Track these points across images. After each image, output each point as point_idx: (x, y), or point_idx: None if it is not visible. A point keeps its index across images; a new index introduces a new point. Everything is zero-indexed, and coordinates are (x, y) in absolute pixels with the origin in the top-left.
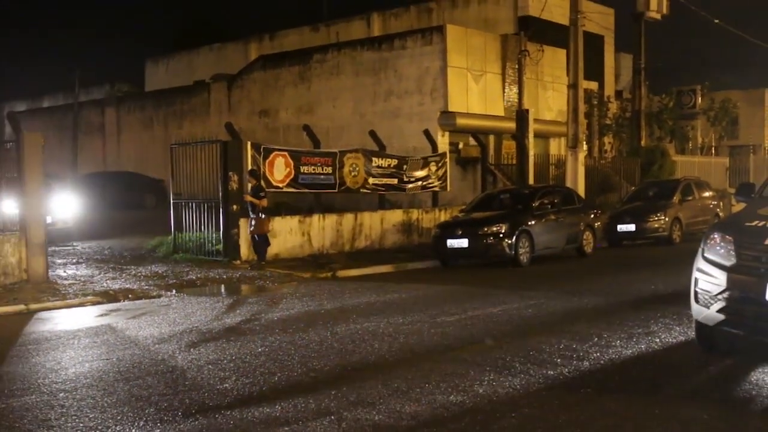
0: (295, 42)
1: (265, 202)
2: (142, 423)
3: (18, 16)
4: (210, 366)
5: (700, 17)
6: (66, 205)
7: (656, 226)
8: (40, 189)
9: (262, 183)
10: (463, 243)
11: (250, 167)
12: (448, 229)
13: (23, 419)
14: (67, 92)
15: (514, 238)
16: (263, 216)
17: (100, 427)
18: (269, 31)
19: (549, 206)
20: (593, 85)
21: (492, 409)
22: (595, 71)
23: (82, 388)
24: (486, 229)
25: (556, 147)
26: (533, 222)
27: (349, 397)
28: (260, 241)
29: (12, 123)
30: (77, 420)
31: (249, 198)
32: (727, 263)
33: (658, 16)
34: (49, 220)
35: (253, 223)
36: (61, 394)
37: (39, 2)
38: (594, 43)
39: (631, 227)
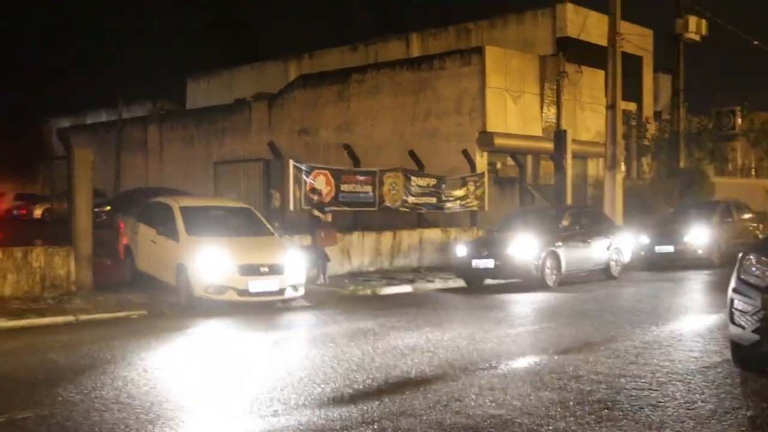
0: (334, 61)
1: (329, 217)
2: None
3: (61, 34)
4: (256, 379)
5: (739, 38)
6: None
7: (694, 248)
8: (89, 203)
9: (302, 199)
10: (489, 263)
11: (291, 185)
12: (474, 248)
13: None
14: (110, 109)
15: (542, 259)
16: (329, 228)
17: None
18: (309, 50)
19: (577, 227)
20: (632, 106)
21: (529, 422)
22: (633, 92)
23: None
24: (512, 249)
25: (595, 168)
26: (561, 243)
27: (391, 408)
28: (322, 256)
29: (63, 139)
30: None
31: (316, 213)
32: (763, 284)
33: (696, 38)
34: (288, 293)
35: (322, 235)
36: (97, 404)
37: (82, 20)
38: (632, 64)
39: (670, 248)
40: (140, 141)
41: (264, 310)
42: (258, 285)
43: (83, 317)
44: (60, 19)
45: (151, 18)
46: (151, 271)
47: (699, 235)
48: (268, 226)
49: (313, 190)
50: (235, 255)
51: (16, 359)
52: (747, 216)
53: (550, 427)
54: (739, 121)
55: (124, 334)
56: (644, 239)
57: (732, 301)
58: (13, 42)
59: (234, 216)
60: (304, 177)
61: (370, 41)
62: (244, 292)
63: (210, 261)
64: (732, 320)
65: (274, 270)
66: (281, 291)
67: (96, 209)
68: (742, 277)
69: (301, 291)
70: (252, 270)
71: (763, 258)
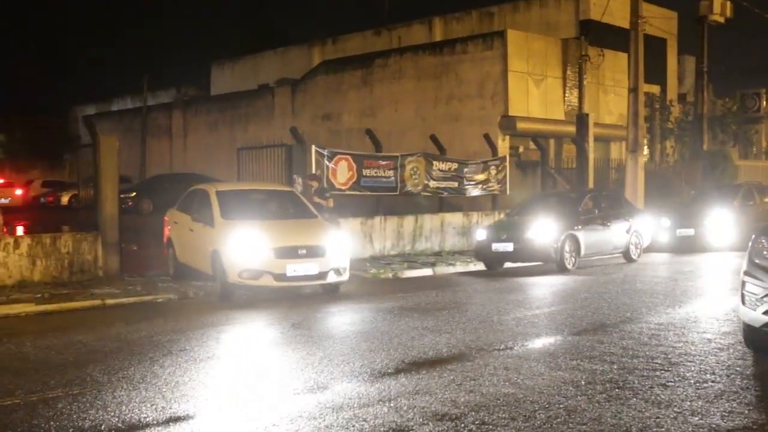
0: (357, 46)
1: (331, 203)
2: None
3: (86, 22)
4: (275, 360)
5: (765, 20)
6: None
7: (715, 230)
8: (115, 190)
9: (325, 185)
10: (508, 247)
11: (314, 170)
12: (494, 232)
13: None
14: (135, 96)
15: (561, 242)
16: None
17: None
18: (332, 35)
19: (597, 211)
20: (655, 89)
21: (541, 400)
22: (657, 75)
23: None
24: (531, 232)
25: (618, 151)
26: (580, 226)
27: (408, 386)
28: None
29: (89, 127)
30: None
31: (317, 199)
32: None
33: (721, 20)
34: None
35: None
36: (124, 384)
37: (107, 7)
38: (656, 46)
39: (690, 232)
40: (165, 127)
41: (299, 294)
42: (296, 268)
43: (110, 301)
44: (84, 7)
45: (176, 4)
46: (189, 262)
47: (720, 219)
48: (311, 208)
49: (312, 176)
50: (271, 237)
51: (47, 342)
52: None
53: (561, 405)
54: (764, 103)
55: (149, 318)
56: (665, 222)
57: (744, 283)
58: (38, 31)
59: (274, 199)
60: (326, 162)
61: (393, 26)
62: (281, 277)
63: (243, 244)
64: (743, 302)
65: (313, 252)
66: (322, 275)
67: (122, 195)
68: (754, 260)
69: (346, 275)
70: (289, 252)
71: None
